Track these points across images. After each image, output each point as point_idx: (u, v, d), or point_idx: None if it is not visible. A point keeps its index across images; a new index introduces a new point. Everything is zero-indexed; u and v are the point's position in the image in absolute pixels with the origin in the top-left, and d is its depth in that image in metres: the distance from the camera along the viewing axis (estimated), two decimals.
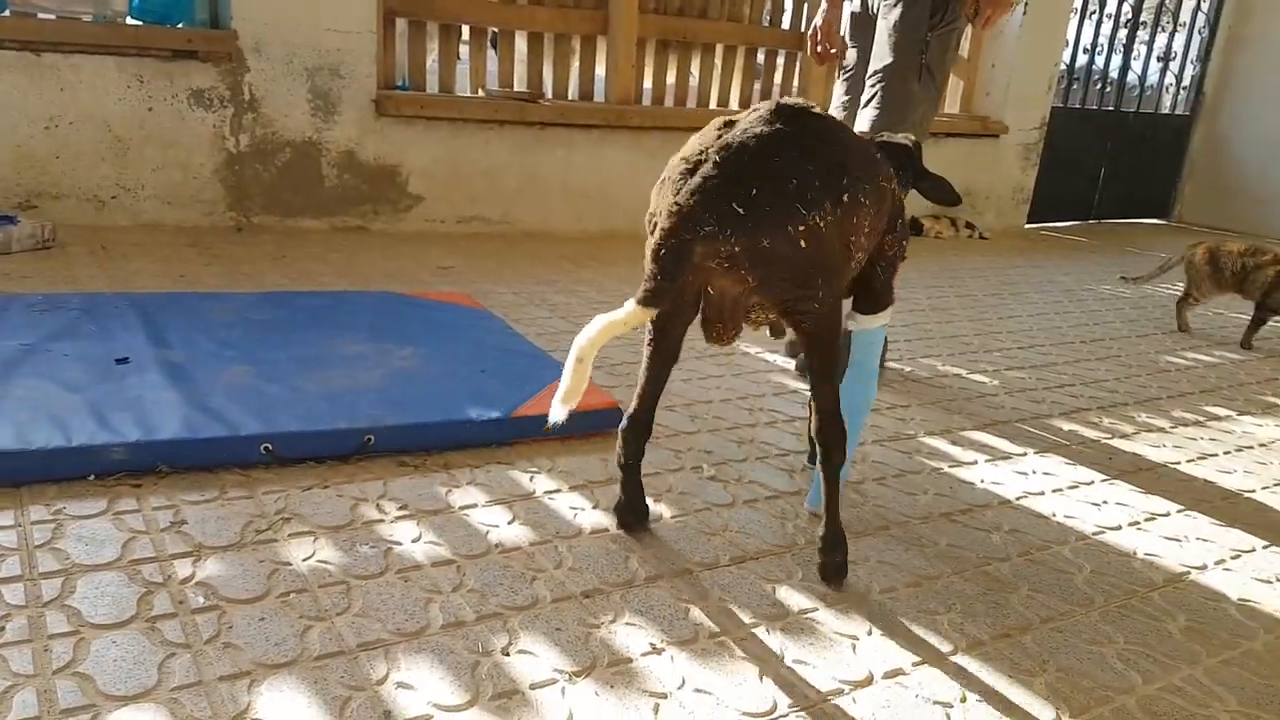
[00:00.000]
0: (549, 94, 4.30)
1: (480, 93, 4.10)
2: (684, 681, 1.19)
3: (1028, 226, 5.76)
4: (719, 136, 1.33)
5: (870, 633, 1.34)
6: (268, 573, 1.33)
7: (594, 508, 1.63)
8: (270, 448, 1.63)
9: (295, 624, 1.22)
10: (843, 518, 1.47)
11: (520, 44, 4.21)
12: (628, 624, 1.30)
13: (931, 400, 2.41)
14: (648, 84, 4.56)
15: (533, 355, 2.24)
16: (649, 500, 1.61)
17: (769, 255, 1.28)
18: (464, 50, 4.22)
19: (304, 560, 1.37)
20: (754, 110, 1.36)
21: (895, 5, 2.34)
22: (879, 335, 1.65)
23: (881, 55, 2.36)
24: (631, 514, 1.57)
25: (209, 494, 1.53)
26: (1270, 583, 1.61)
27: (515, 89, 4.18)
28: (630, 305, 1.25)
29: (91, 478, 1.52)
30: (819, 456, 1.45)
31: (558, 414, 1.29)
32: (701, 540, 1.56)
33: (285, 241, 3.44)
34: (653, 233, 1.30)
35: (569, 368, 1.28)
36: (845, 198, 1.32)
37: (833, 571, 1.46)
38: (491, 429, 1.80)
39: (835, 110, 2.53)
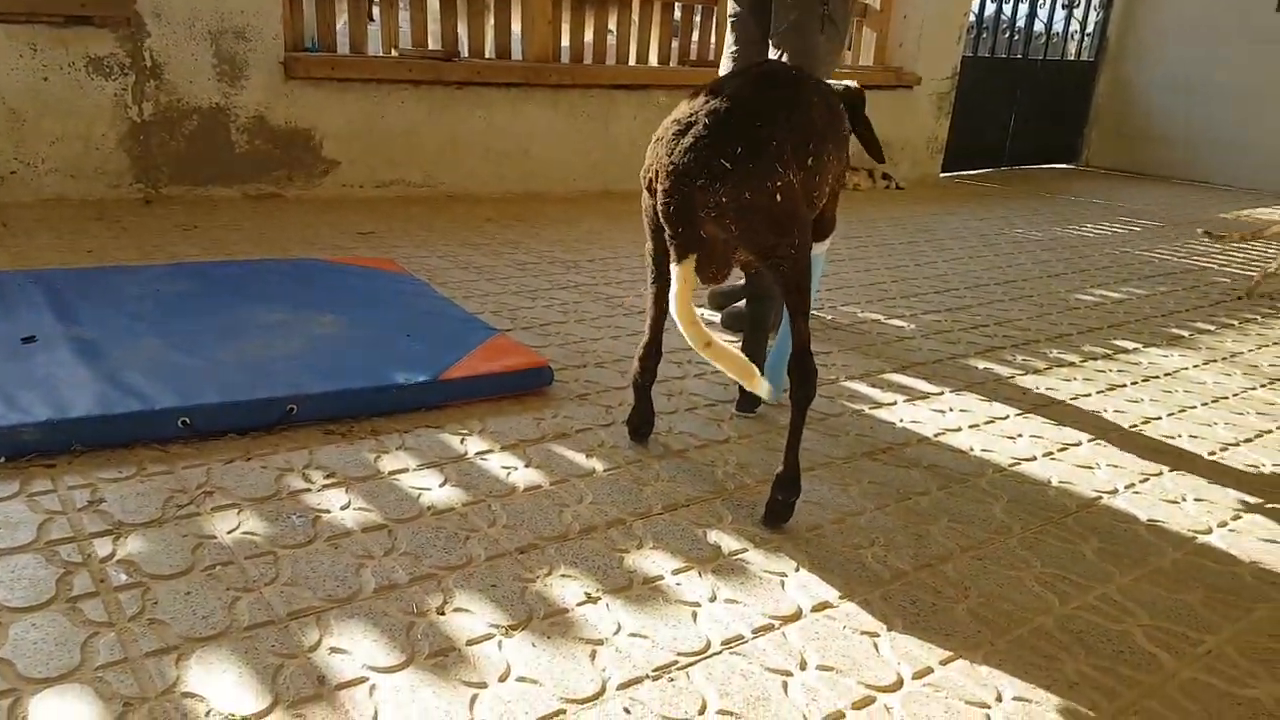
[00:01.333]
0: (465, 52, 4.21)
1: (394, 53, 3.99)
2: (619, 627, 1.21)
3: (942, 175, 5.88)
4: (706, 101, 1.47)
5: (798, 569, 1.38)
6: (191, 547, 1.31)
7: (527, 466, 1.63)
8: (188, 421, 1.59)
9: (222, 596, 1.20)
10: (767, 461, 1.51)
11: (433, 2, 4.10)
12: (563, 576, 1.31)
13: (852, 346, 2.46)
14: (566, 42, 4.50)
15: (460, 318, 2.21)
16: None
17: (750, 205, 1.42)
18: (376, 11, 4.10)
19: (229, 533, 1.35)
20: (739, 75, 1.56)
21: None
22: (819, 262, 1.83)
23: (785, 9, 2.37)
24: (644, 424, 1.75)
25: (127, 471, 1.49)
26: (1177, 503, 1.70)
27: (430, 48, 4.08)
28: (676, 269, 1.43)
29: (2, 460, 1.47)
30: (792, 386, 1.54)
31: (764, 393, 1.54)
32: (635, 491, 1.57)
33: (196, 211, 3.32)
34: (652, 191, 1.48)
35: (711, 357, 1.43)
36: (812, 160, 1.50)
37: (779, 511, 1.51)
38: (419, 393, 1.78)
39: (725, 60, 2.55)
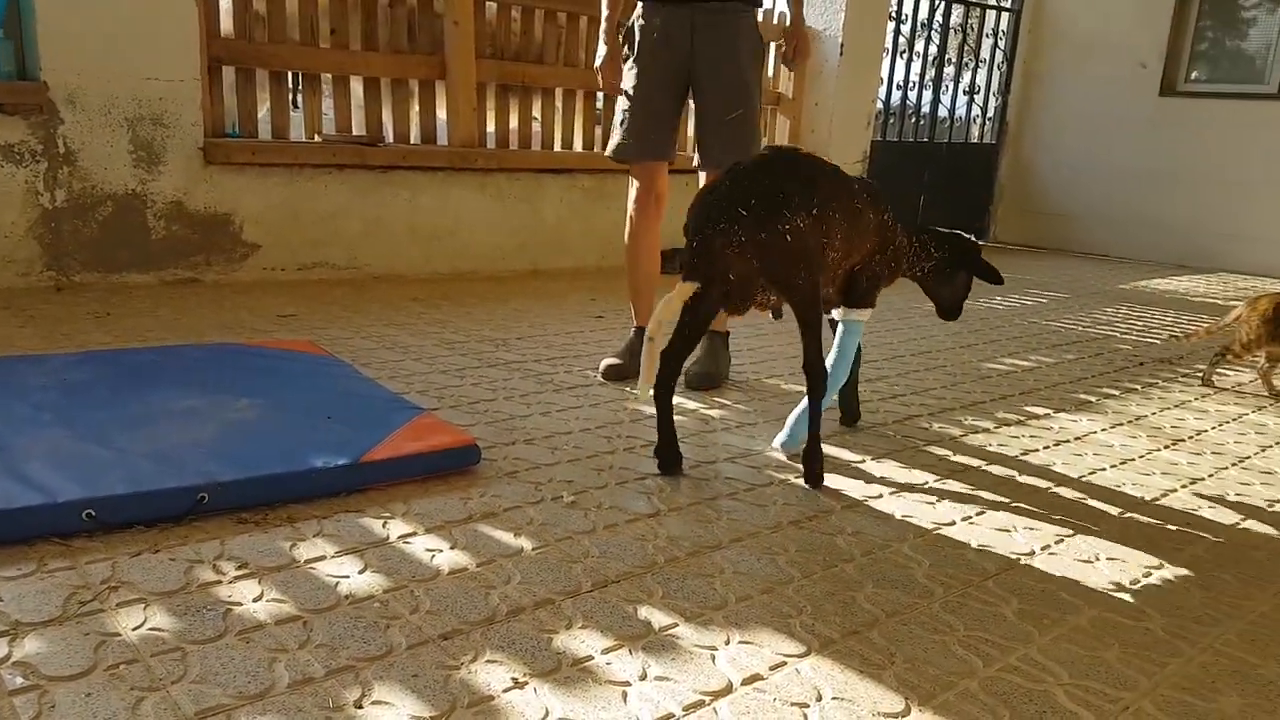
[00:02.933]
0: (389, 138, 4.25)
1: (317, 138, 4.01)
2: (547, 712, 1.18)
3: None
4: (730, 170, 1.95)
5: (729, 642, 1.37)
6: (94, 645, 1.24)
7: (453, 548, 1.60)
8: (93, 514, 1.52)
9: (126, 697, 1.14)
10: (697, 533, 1.51)
11: (357, 89, 4.15)
12: (489, 661, 1.28)
13: (777, 417, 2.49)
14: (491, 127, 4.59)
15: (384, 398, 2.19)
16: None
17: (765, 244, 1.84)
18: (300, 98, 4.13)
19: (134, 630, 1.28)
20: (766, 149, 2.07)
21: (747, 56, 2.61)
22: (857, 329, 2.23)
23: (737, 99, 2.61)
24: (670, 455, 2.03)
25: (26, 568, 1.41)
26: (1091, 562, 1.75)
27: (354, 134, 4.11)
28: (679, 285, 1.86)
29: None
30: (807, 388, 1.98)
31: (644, 393, 1.93)
32: (564, 569, 1.55)
33: (110, 298, 3.23)
34: (687, 234, 1.90)
35: (644, 349, 1.89)
36: (815, 210, 1.89)
37: (815, 478, 1.99)
38: (339, 476, 1.74)
39: (616, 134, 2.69)
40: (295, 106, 4.16)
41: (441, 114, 4.41)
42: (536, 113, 4.73)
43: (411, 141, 4.30)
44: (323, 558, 1.53)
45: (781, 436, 2.23)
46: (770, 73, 5.41)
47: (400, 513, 1.71)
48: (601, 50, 2.67)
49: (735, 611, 1.46)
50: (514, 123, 4.64)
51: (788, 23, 2.77)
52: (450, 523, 1.69)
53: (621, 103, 2.70)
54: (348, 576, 1.48)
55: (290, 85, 4.06)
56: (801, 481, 2.04)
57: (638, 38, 2.65)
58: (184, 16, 3.43)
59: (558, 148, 4.80)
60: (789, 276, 1.89)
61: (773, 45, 5.03)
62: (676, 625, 1.41)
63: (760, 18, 2.72)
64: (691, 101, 2.71)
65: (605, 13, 2.66)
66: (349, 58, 4.03)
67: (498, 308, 3.63)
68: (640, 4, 2.66)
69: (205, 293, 3.47)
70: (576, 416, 2.35)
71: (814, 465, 2.00)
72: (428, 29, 4.24)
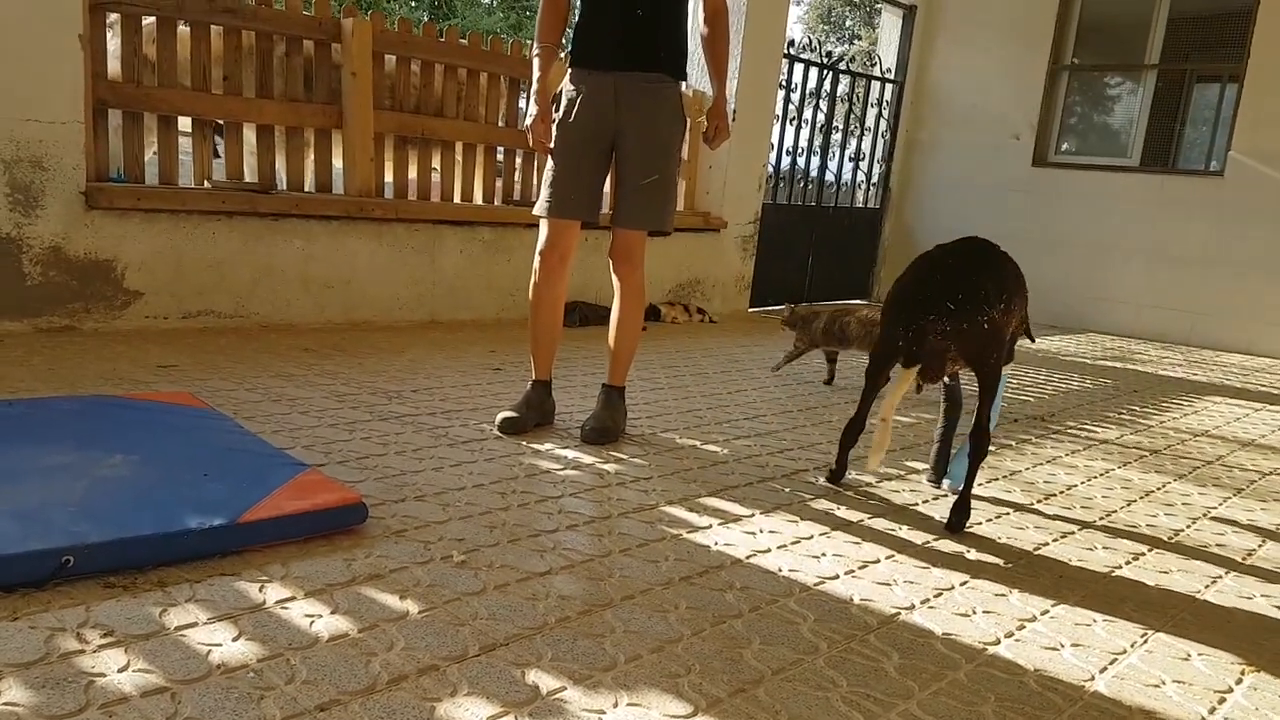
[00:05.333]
0: (282, 186, 4.18)
1: (206, 184, 3.90)
2: None
3: (750, 310, 6.27)
4: (933, 262, 2.35)
5: (616, 705, 1.37)
6: None
7: (333, 613, 1.55)
8: None
9: None
10: (589, 591, 1.52)
11: (249, 136, 4.08)
12: None
13: (671, 471, 2.53)
14: (389, 178, 4.56)
15: (266, 454, 2.12)
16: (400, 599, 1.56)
17: (966, 332, 2.23)
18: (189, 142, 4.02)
19: None
20: (958, 241, 2.40)
21: (667, 125, 2.72)
22: (1004, 379, 2.53)
23: (653, 165, 2.72)
24: (841, 476, 2.59)
25: None
26: (968, 615, 1.82)
27: (245, 181, 4.03)
28: (902, 371, 2.30)
29: None
30: (972, 449, 2.32)
31: (873, 471, 2.58)
32: (451, 633, 1.53)
33: None
34: (895, 323, 2.33)
35: (878, 430, 2.35)
36: (1003, 304, 2.27)
37: (958, 525, 2.30)
38: (215, 538, 1.67)
39: (544, 195, 2.74)
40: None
41: (338, 163, 4.37)
42: (436, 164, 4.73)
43: (306, 189, 4.24)
44: (194, 625, 1.47)
45: (948, 481, 2.63)
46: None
47: (279, 576, 1.66)
48: (532, 110, 2.71)
49: (624, 672, 1.46)
50: (413, 173, 4.63)
51: (709, 104, 2.86)
52: (332, 586, 1.64)
53: (550, 163, 2.75)
54: (220, 645, 1.42)
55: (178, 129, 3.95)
56: (694, 537, 2.07)
57: (563, 102, 2.72)
58: (67, 57, 3.32)
59: (458, 199, 4.81)
60: (984, 358, 2.30)
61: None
62: (564, 689, 1.40)
63: (685, 90, 2.84)
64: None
65: (536, 74, 2.71)
66: (241, 104, 3.96)
67: (393, 359, 3.58)
68: (569, 70, 2.73)
69: (83, 342, 3.31)
70: (470, 472, 2.33)
71: (963, 516, 2.32)
72: (325, 79, 4.21)
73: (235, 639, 1.44)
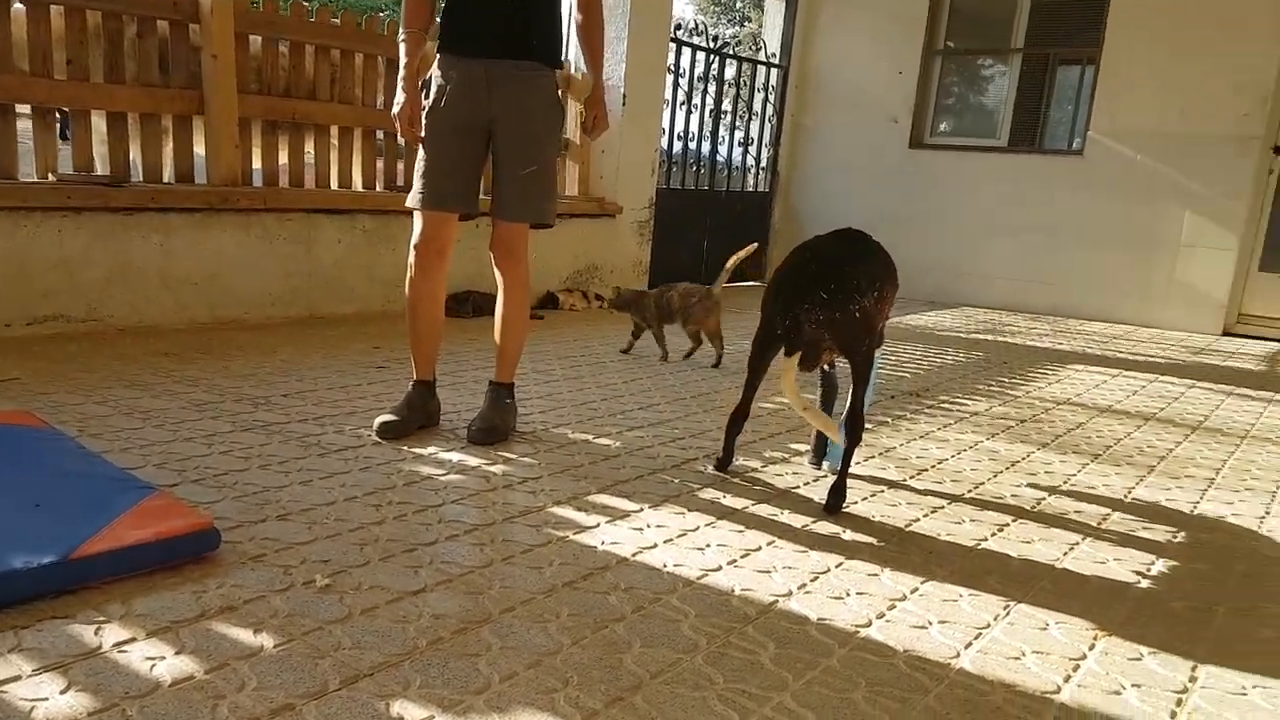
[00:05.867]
0: (139, 177, 3.92)
1: (50, 177, 3.62)
2: None
3: None
4: (813, 253, 2.38)
5: None
6: None
7: (178, 654, 1.43)
8: None
9: None
10: (464, 608, 1.49)
11: (100, 124, 3.80)
12: None
13: (561, 469, 2.49)
14: (259, 165, 4.34)
15: (109, 477, 1.95)
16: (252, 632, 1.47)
17: (839, 321, 2.27)
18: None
19: None
20: (833, 233, 2.45)
21: (542, 113, 2.65)
22: (875, 362, 2.53)
23: (531, 155, 2.64)
24: (728, 463, 2.61)
25: None
26: (842, 599, 1.83)
27: (95, 173, 3.76)
28: (788, 360, 2.32)
29: None
30: (847, 433, 2.36)
31: (836, 439, 2.43)
32: (309, 667, 1.43)
33: None
34: (779, 310, 2.33)
35: (808, 419, 2.42)
36: (875, 293, 2.33)
37: (835, 505, 2.34)
38: (45, 577, 1.53)
39: (417, 187, 2.65)
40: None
41: (201, 150, 4.13)
42: (311, 149, 4.53)
43: (165, 181, 3.99)
44: (18, 678, 1.33)
45: (828, 461, 2.69)
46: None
47: (118, 615, 1.53)
48: (400, 98, 2.60)
49: (498, 693, 1.41)
50: (284, 159, 4.42)
51: (588, 92, 2.80)
52: (178, 623, 1.52)
53: (421, 153, 2.65)
54: (46, 699, 1.29)
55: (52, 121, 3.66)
56: (580, 538, 2.03)
57: (433, 89, 2.62)
58: None
59: (335, 186, 4.62)
60: (856, 346, 2.34)
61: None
62: (432, 718, 1.34)
63: (575, 75, 2.76)
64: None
65: (404, 60, 2.60)
66: (89, 90, 3.69)
67: (263, 361, 3.41)
68: (439, 55, 2.62)
69: None
70: (342, 484, 2.23)
71: (840, 498, 2.35)
72: (183, 61, 3.96)
73: (64, 691, 1.32)
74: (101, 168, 3.82)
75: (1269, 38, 5.91)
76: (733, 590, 1.84)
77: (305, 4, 4.33)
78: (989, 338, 5.61)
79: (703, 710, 1.41)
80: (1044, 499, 2.58)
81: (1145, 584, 2.03)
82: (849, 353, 2.36)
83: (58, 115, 3.79)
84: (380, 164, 4.81)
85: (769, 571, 1.94)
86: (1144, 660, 1.69)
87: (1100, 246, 6.59)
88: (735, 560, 1.98)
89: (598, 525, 2.11)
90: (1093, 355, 5.19)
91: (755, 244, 4.21)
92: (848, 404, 2.39)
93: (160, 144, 3.97)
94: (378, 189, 4.79)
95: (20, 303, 3.42)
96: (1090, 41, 6.55)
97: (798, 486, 2.52)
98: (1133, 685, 1.59)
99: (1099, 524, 2.40)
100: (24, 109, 3.62)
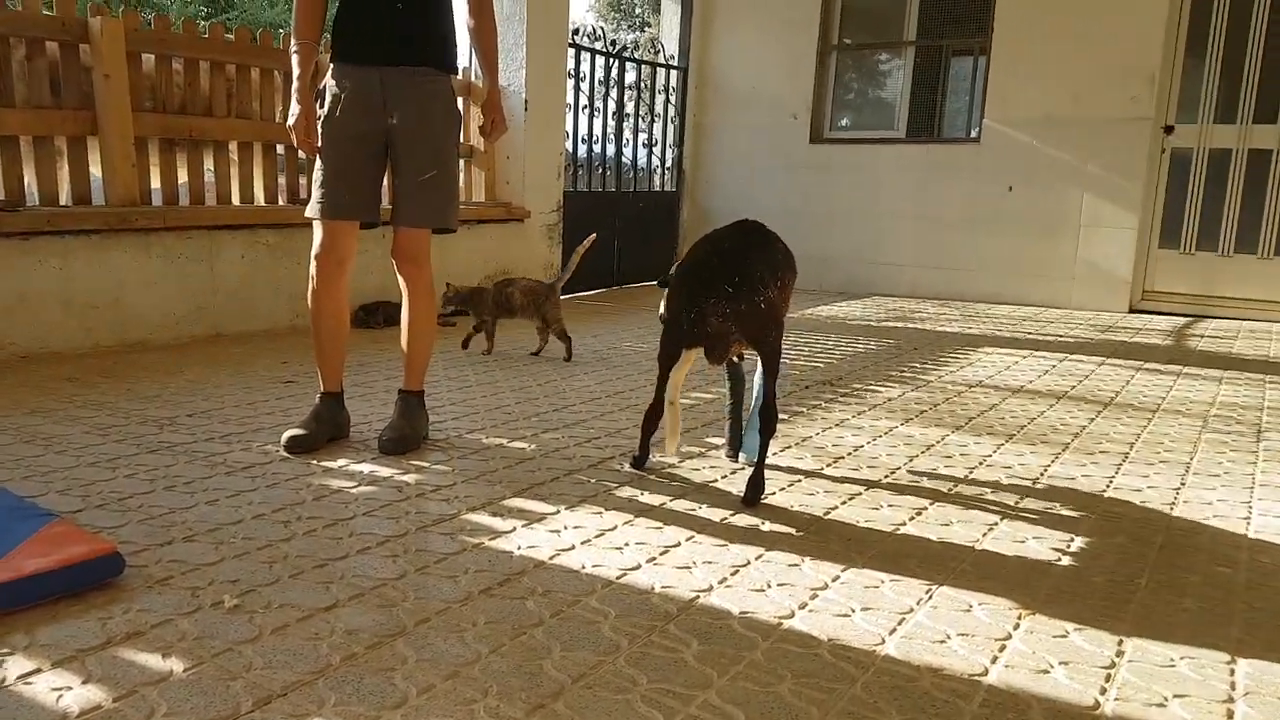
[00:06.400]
0: (35, 200, 3.78)
1: None
2: None
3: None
4: (713, 246, 2.40)
5: None
6: None
7: (85, 683, 1.40)
8: None
9: None
10: (378, 621, 1.49)
11: None
12: None
13: (476, 475, 2.48)
14: (156, 184, 4.21)
15: (6, 508, 1.88)
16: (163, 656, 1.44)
17: (745, 313, 2.30)
18: None
19: None
20: (732, 225, 2.46)
21: (441, 119, 2.63)
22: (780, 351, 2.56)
23: (430, 161, 2.62)
24: (644, 461, 2.64)
25: None
26: (764, 590, 1.83)
27: None
28: (687, 353, 2.41)
29: None
30: (761, 425, 2.39)
31: (670, 455, 2.61)
32: (219, 691, 1.41)
33: None
34: (684, 306, 2.36)
35: (667, 414, 2.49)
36: (779, 282, 2.38)
37: (753, 498, 2.37)
38: None
39: (316, 195, 2.62)
40: None
41: (97, 171, 3.99)
42: (210, 165, 4.41)
43: (61, 203, 3.85)
44: None
45: (744, 454, 2.71)
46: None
47: (21, 646, 1.49)
48: (295, 109, 2.57)
49: (416, 707, 1.40)
50: (184, 177, 4.30)
51: (484, 97, 2.80)
52: (84, 651, 1.49)
53: (319, 163, 2.62)
54: None
55: None
56: (496, 544, 2.03)
57: (327, 99, 2.59)
58: None
59: (237, 201, 4.51)
60: (763, 336, 2.38)
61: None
62: None
63: (456, 82, 2.76)
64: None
65: (297, 71, 2.57)
66: None
67: (169, 381, 3.32)
68: (332, 64, 2.59)
69: None
70: (250, 502, 2.19)
71: (759, 491, 2.38)
72: (75, 82, 3.84)
73: None
74: None
75: (1153, 19, 6.16)
76: (653, 588, 1.84)
77: (195, 22, 4.24)
78: (900, 325, 5.76)
79: (627, 713, 1.41)
80: (961, 481, 2.62)
81: (1066, 561, 2.04)
82: (757, 344, 2.39)
83: None
84: (282, 179, 4.72)
85: (689, 567, 1.95)
86: (1070, 637, 1.68)
87: (1004, 231, 6.82)
88: (654, 558, 2.00)
89: (514, 530, 2.11)
90: (1003, 338, 5.35)
91: (594, 235, 4.37)
92: (759, 396, 2.44)
93: (55, 166, 3.83)
94: (280, 203, 4.70)
95: None
96: (980, 32, 6.79)
97: (715, 480, 2.56)
98: (1060, 663, 1.59)
99: (1016, 504, 2.43)
100: None
